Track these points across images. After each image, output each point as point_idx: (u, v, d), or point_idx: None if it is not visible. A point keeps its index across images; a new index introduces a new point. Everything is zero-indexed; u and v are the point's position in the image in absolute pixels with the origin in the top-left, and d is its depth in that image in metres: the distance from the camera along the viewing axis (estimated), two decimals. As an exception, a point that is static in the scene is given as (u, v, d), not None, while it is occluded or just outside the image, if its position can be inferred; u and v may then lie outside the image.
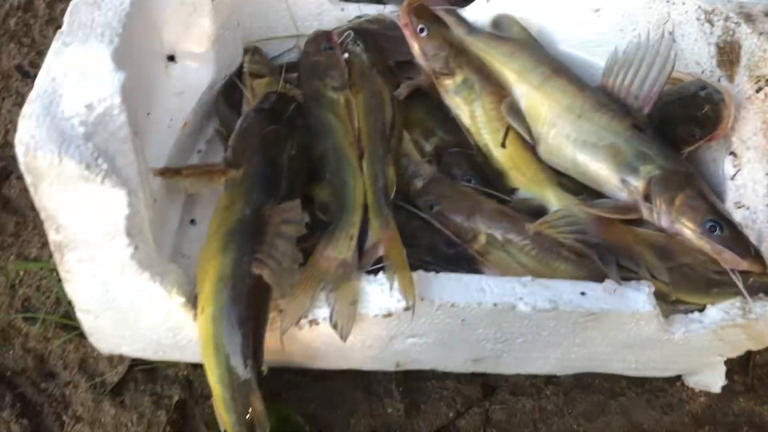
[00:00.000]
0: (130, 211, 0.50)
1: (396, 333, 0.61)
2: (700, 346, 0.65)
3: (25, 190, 0.79)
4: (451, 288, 0.60)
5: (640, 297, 0.61)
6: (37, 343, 0.70)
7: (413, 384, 0.70)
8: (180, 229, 0.68)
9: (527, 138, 0.73)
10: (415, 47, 0.75)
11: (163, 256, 0.60)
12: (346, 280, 0.59)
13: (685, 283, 0.64)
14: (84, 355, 0.70)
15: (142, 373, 0.69)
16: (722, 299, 0.63)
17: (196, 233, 0.68)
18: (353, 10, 0.81)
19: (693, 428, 0.70)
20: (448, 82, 0.75)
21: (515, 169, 0.73)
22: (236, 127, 0.66)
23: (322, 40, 0.76)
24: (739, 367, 0.74)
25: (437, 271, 0.61)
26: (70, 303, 0.69)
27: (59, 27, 0.51)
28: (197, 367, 0.69)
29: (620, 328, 0.62)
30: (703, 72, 0.70)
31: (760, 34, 0.64)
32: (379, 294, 0.59)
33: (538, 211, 0.68)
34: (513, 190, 0.73)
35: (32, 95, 0.48)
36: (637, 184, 0.66)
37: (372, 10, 0.81)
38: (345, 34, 0.78)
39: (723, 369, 0.69)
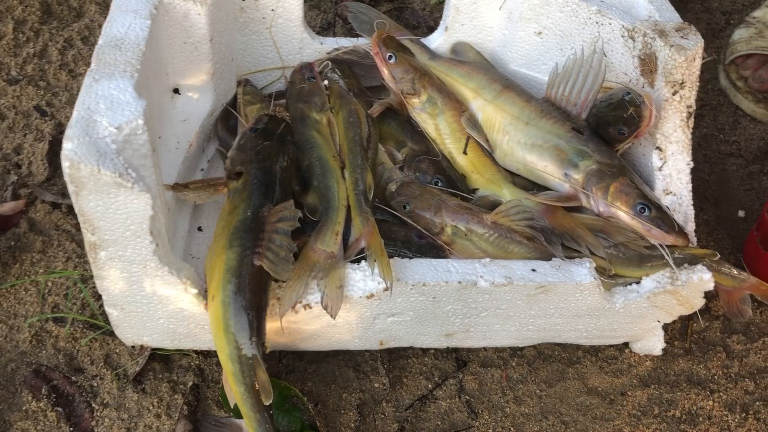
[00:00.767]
0: (154, 212, 0.61)
1: (378, 312, 0.72)
2: (639, 313, 0.76)
3: (48, 212, 0.90)
4: (423, 270, 0.71)
5: (582, 270, 0.72)
6: (67, 342, 0.80)
7: (396, 362, 0.80)
8: (189, 234, 0.78)
9: (485, 145, 0.85)
10: (385, 72, 0.87)
11: (177, 256, 0.70)
12: (333, 269, 0.70)
13: (622, 260, 0.75)
14: (108, 351, 0.79)
15: (159, 363, 0.79)
16: (654, 271, 0.75)
17: (203, 238, 0.79)
18: (331, 43, 0.93)
19: (641, 388, 0.80)
20: (415, 101, 0.87)
21: (476, 172, 0.85)
22: (234, 144, 0.78)
23: (306, 70, 0.88)
24: (679, 334, 0.84)
25: (411, 258, 0.72)
26: (94, 305, 0.80)
27: (71, 71, 0.61)
28: (207, 357, 0.79)
29: (568, 299, 0.73)
30: (630, 81, 0.82)
31: (671, 46, 0.76)
32: (362, 279, 0.70)
33: (495, 206, 0.79)
34: (474, 190, 0.84)
35: (72, 121, 0.59)
36: (578, 176, 0.77)
37: (347, 42, 0.93)
38: (324, 64, 0.90)
39: (661, 334, 0.80)
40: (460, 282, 0.70)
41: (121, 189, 0.58)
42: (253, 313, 0.66)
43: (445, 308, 0.73)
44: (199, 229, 0.80)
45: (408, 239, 0.78)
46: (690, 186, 0.79)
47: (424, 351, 0.81)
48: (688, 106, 0.78)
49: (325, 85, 0.88)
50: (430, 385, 0.79)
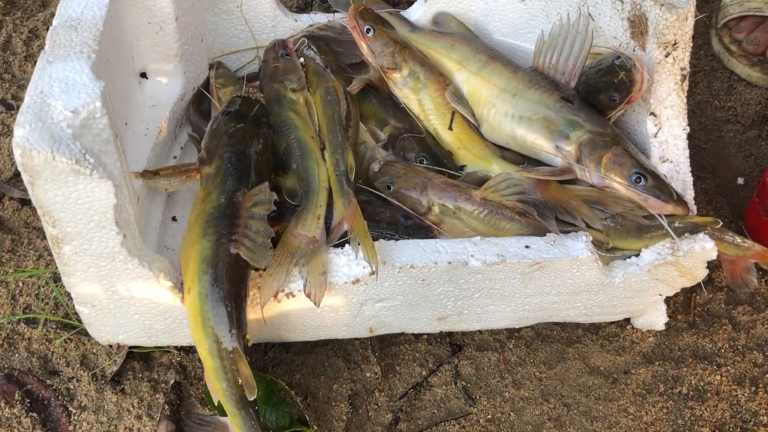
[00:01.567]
0: (118, 201, 0.57)
1: (365, 298, 0.68)
2: (639, 287, 0.72)
3: (17, 210, 0.86)
4: (410, 252, 0.67)
5: (578, 245, 0.68)
6: (40, 344, 0.76)
7: (388, 349, 0.77)
8: (163, 225, 0.74)
9: (471, 120, 0.81)
10: (364, 46, 0.83)
11: (149, 248, 0.66)
12: (315, 255, 0.66)
13: (620, 231, 0.71)
14: (84, 351, 0.75)
15: (139, 362, 0.75)
16: (654, 242, 0.71)
17: (178, 228, 0.75)
18: (306, 20, 0.88)
19: (644, 365, 0.76)
20: (396, 76, 0.82)
21: (463, 148, 0.81)
22: (207, 129, 0.74)
23: (279, 48, 0.84)
24: (682, 307, 0.81)
25: (397, 240, 0.68)
26: (68, 304, 0.76)
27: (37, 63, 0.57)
28: (189, 352, 0.76)
29: (564, 275, 0.69)
30: (620, 45, 0.78)
31: (662, 5, 0.72)
32: (347, 264, 0.66)
33: (485, 182, 0.75)
34: (462, 167, 0.80)
35: (23, 107, 0.55)
36: (570, 148, 0.73)
37: (322, 18, 0.89)
38: (300, 41, 0.86)
39: (664, 307, 0.77)
40: (450, 262, 0.66)
41: (80, 177, 0.54)
42: (232, 304, 0.62)
43: (436, 291, 0.69)
44: (174, 219, 0.76)
45: (394, 220, 0.74)
46: (687, 152, 0.75)
47: (417, 337, 0.78)
48: (682, 68, 0.74)
49: (301, 63, 0.83)
50: (424, 372, 0.75)
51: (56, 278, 0.79)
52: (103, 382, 0.73)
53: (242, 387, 0.61)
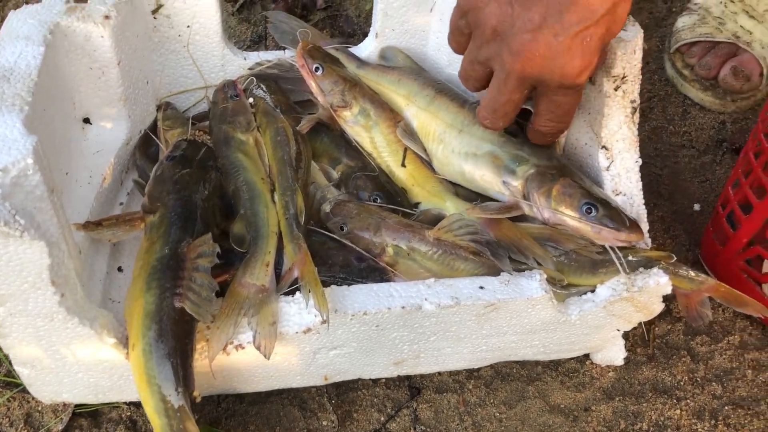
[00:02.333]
0: (52, 261, 0.55)
1: (318, 347, 0.66)
2: (596, 324, 0.72)
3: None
4: (363, 298, 0.65)
5: (532, 284, 0.67)
6: (-18, 404, 0.73)
7: (345, 395, 0.75)
8: (108, 276, 0.72)
9: (422, 155, 0.80)
10: (313, 85, 0.82)
11: (93, 302, 0.64)
12: (265, 304, 0.64)
13: (574, 268, 0.71)
14: (29, 409, 0.72)
15: (86, 419, 0.72)
16: (609, 277, 0.70)
17: (124, 279, 0.73)
18: (255, 58, 0.87)
19: (605, 401, 0.76)
20: (347, 114, 0.81)
21: (416, 185, 0.80)
22: (151, 175, 0.72)
23: (228, 88, 0.82)
24: (641, 340, 0.80)
25: (348, 286, 0.67)
26: (10, 362, 0.73)
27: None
28: (139, 406, 0.73)
29: (520, 315, 0.68)
30: (569, 79, 0.78)
31: (609, 40, 0.72)
32: (298, 312, 0.64)
33: (439, 220, 0.74)
34: (416, 204, 0.79)
35: (-52, 166, 0.52)
36: (516, 184, 0.73)
37: (271, 55, 0.87)
38: (248, 81, 0.84)
39: (622, 342, 0.76)
40: (403, 307, 0.65)
41: (10, 239, 0.52)
42: (178, 360, 0.60)
43: (391, 336, 0.67)
44: (120, 269, 0.74)
45: (347, 263, 0.72)
46: (640, 184, 0.75)
47: (375, 381, 0.76)
48: (632, 101, 0.74)
49: (251, 103, 0.82)
50: (382, 418, 0.74)
51: (-1, 333, 0.76)
52: (49, 441, 0.70)
53: (191, 447, 0.59)
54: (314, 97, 0.82)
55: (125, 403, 0.72)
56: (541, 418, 0.74)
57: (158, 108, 0.85)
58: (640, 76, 0.74)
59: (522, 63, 0.62)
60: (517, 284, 0.67)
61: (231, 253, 0.69)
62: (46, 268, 0.55)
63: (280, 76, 0.86)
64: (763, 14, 1.10)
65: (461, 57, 0.85)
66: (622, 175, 0.75)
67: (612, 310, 0.70)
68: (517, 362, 0.78)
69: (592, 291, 0.71)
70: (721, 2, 1.13)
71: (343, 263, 0.72)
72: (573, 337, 0.73)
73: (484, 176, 0.75)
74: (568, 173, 0.72)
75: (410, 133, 0.80)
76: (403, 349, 0.69)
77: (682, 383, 0.77)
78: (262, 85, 0.84)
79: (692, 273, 0.71)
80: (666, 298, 0.71)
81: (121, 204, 0.78)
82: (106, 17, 0.71)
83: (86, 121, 0.77)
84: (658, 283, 0.69)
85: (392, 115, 0.81)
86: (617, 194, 0.75)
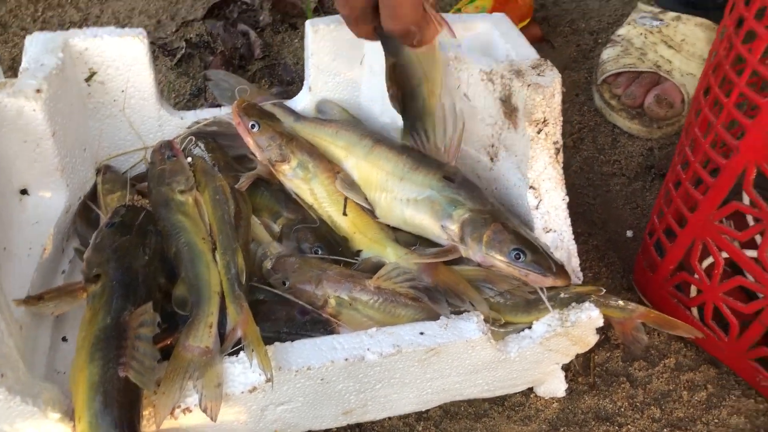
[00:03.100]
0: (-10, 343, 0.55)
1: (265, 404, 0.67)
2: (535, 359, 0.74)
3: None
4: (306, 353, 0.67)
5: (470, 326, 0.70)
6: (-70, 485, 0.72)
7: (298, 446, 0.76)
8: (52, 348, 0.72)
9: (364, 205, 0.82)
10: (250, 142, 0.83)
11: (36, 376, 0.64)
12: (209, 366, 0.65)
13: (510, 307, 0.73)
14: (-22, 487, 0.72)
15: (39, 491, 0.72)
16: (544, 314, 0.73)
17: (69, 349, 0.73)
18: (191, 117, 0.89)
19: (551, 432, 0.78)
20: (285, 167, 0.83)
21: (358, 233, 0.82)
22: (90, 243, 0.72)
23: (165, 149, 0.84)
24: (582, 369, 0.83)
25: (293, 340, 0.68)
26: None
27: None
28: (92, 475, 0.73)
29: (461, 357, 0.70)
30: (495, 123, 0.81)
31: (528, 86, 0.75)
32: (243, 372, 0.65)
33: (380, 268, 0.76)
34: (358, 252, 0.81)
35: None
36: (453, 227, 0.75)
37: (208, 114, 0.89)
38: (186, 140, 0.86)
39: (562, 374, 0.79)
40: (347, 359, 0.66)
41: (-56, 326, 0.52)
42: (125, 429, 0.60)
43: (337, 387, 0.69)
44: (64, 339, 0.74)
45: (291, 318, 0.74)
46: (569, 221, 0.78)
47: (326, 431, 0.77)
48: (555, 142, 0.78)
49: (189, 162, 0.83)
50: (336, 466, 0.75)
51: (-56, 411, 0.75)
52: None
53: None
54: (251, 154, 0.84)
55: (76, 473, 0.72)
56: (491, 454, 0.76)
57: (97, 171, 0.86)
58: (561, 118, 0.77)
59: None
60: (456, 327, 0.70)
61: (175, 316, 0.70)
62: (-16, 351, 0.55)
63: (219, 132, 0.88)
64: (680, 44, 1.16)
65: (392, 107, 0.89)
66: (551, 212, 0.79)
67: (549, 346, 0.73)
68: (464, 400, 0.80)
69: (529, 328, 0.73)
70: (641, 34, 1.19)
71: (287, 318, 0.73)
72: (515, 374, 0.75)
73: (424, 221, 0.78)
74: (499, 218, 0.75)
75: (350, 183, 0.82)
76: (350, 399, 0.71)
77: (622, 409, 0.80)
78: (200, 144, 0.85)
79: (621, 303, 0.74)
80: (603, 327, 0.74)
81: (64, 272, 0.79)
82: (38, 91, 0.72)
83: (24, 192, 0.78)
84: (590, 317, 0.71)
85: (330, 165, 0.84)
86: (548, 231, 0.78)
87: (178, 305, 0.69)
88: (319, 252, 0.79)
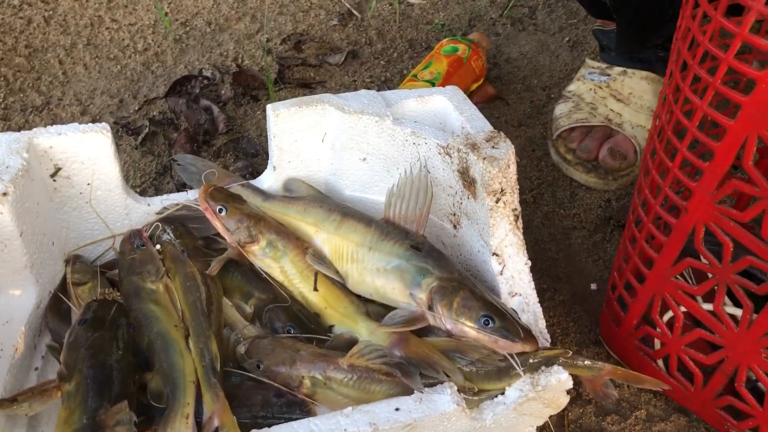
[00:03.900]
0: (-35, 458, 0.55)
1: (245, 490, 0.68)
2: (510, 425, 0.76)
3: None
4: (284, 438, 0.68)
5: (444, 398, 0.71)
6: None
7: None
8: (27, 449, 0.72)
9: (336, 278, 0.84)
10: (218, 226, 0.85)
11: (13, 483, 0.64)
12: (188, 457, 0.66)
13: (482, 376, 0.75)
14: None
15: None
16: (515, 380, 0.75)
17: (45, 450, 0.73)
18: (158, 203, 0.90)
19: (532, 493, 0.79)
20: (255, 248, 0.85)
21: (329, 307, 0.83)
22: (64, 342, 0.73)
23: (134, 238, 0.85)
24: (557, 428, 0.85)
25: (270, 425, 0.69)
26: None
27: None
28: None
29: (437, 429, 0.72)
30: (455, 192, 0.84)
31: (484, 159, 0.78)
32: (222, 460, 0.66)
33: (353, 344, 0.77)
34: (330, 327, 0.82)
35: None
36: (422, 296, 0.77)
37: (175, 199, 0.90)
38: (154, 227, 0.87)
39: (538, 436, 0.80)
40: (324, 441, 0.67)
41: None
42: None
43: (316, 469, 0.69)
44: (40, 438, 0.74)
45: (267, 401, 0.74)
46: (533, 284, 0.81)
47: None
48: (514, 209, 0.81)
49: (158, 250, 0.84)
50: None
51: None
52: None
53: None
54: (219, 237, 0.86)
55: None
56: None
57: (66, 262, 0.86)
58: (518, 186, 0.81)
59: None
60: (431, 401, 0.71)
61: (151, 409, 0.70)
62: (-40, 466, 0.55)
63: (187, 216, 0.89)
64: (628, 97, 1.21)
65: (355, 180, 0.91)
66: (515, 277, 0.81)
67: (522, 410, 0.75)
68: (444, 468, 0.81)
69: (502, 393, 0.75)
70: (591, 89, 1.24)
71: (263, 402, 0.74)
72: (491, 440, 0.77)
73: (394, 290, 0.80)
74: (467, 285, 0.77)
75: (321, 257, 0.84)
76: (330, 479, 0.71)
77: (599, 465, 0.81)
78: (168, 230, 0.86)
79: (589, 362, 0.76)
80: (575, 384, 0.76)
81: (36, 369, 0.79)
82: (4, 194, 0.73)
83: (-8, 292, 0.78)
84: (559, 379, 0.73)
85: (299, 243, 0.85)
86: (513, 295, 0.81)
87: (153, 398, 0.70)
88: (292, 331, 0.80)
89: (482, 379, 0.75)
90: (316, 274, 0.84)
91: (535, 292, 0.81)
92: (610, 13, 1.18)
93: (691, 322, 0.80)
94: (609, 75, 1.25)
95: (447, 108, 0.89)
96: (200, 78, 1.35)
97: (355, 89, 1.11)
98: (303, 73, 1.40)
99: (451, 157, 0.83)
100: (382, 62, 1.44)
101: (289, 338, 0.79)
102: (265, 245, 0.85)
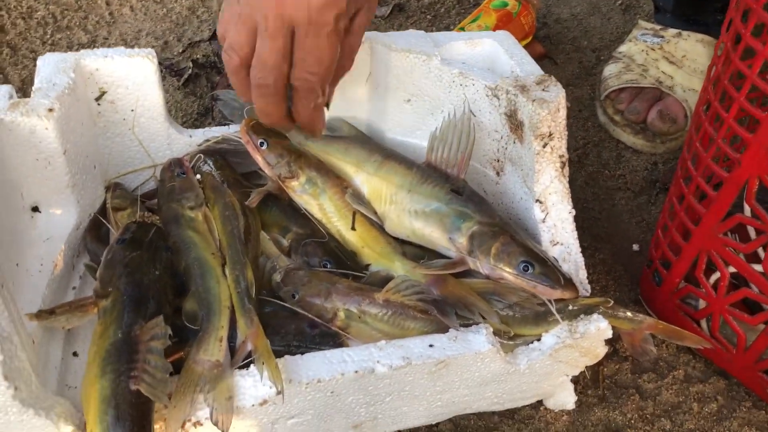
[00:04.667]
0: (4, 355, 0.56)
1: (276, 417, 0.68)
2: (544, 371, 0.74)
3: None
4: (316, 366, 0.67)
5: (479, 338, 0.70)
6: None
7: (308, 461, 0.76)
8: (63, 362, 0.72)
9: (374, 218, 0.83)
10: (259, 159, 0.84)
11: (48, 390, 0.64)
12: (220, 379, 0.65)
13: (519, 320, 0.74)
14: (-12, 504, 0.72)
15: (49, 508, 0.71)
16: (553, 326, 0.73)
17: (80, 364, 0.73)
18: (200, 135, 0.90)
19: (561, 445, 0.78)
20: (294, 184, 0.84)
21: (366, 247, 0.82)
22: (102, 260, 0.73)
23: (175, 166, 0.85)
24: (592, 382, 0.83)
25: (303, 353, 0.69)
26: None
27: None
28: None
29: (470, 369, 0.71)
30: (501, 137, 0.82)
31: (534, 101, 0.76)
32: (253, 385, 0.66)
33: (388, 281, 0.76)
34: (367, 266, 0.82)
35: None
36: (461, 240, 0.76)
37: (217, 132, 0.90)
38: (196, 158, 0.87)
39: (571, 387, 0.79)
40: (356, 371, 0.66)
41: (-40, 339, 0.53)
42: (137, 443, 0.61)
43: (347, 400, 0.69)
44: (75, 354, 0.74)
45: (300, 331, 0.74)
46: (575, 234, 0.79)
47: (336, 444, 0.77)
48: (561, 156, 0.79)
49: (198, 179, 0.84)
50: (346, 481, 0.74)
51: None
52: None
53: None
54: (261, 170, 0.85)
55: (87, 489, 0.72)
56: (501, 468, 0.76)
57: (107, 189, 0.87)
58: (566, 132, 0.78)
59: (276, 2, 0.65)
60: (465, 340, 0.70)
61: (185, 330, 0.70)
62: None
63: (228, 150, 0.89)
64: (682, 60, 1.18)
65: (398, 123, 0.90)
66: (557, 226, 0.79)
67: (558, 357, 0.73)
68: (474, 414, 0.80)
69: (538, 340, 0.74)
70: (643, 50, 1.21)
71: (296, 331, 0.74)
72: (524, 386, 0.75)
73: (432, 233, 0.78)
74: (508, 230, 0.75)
75: (360, 197, 0.83)
76: (360, 412, 0.71)
77: (632, 421, 0.80)
78: (209, 161, 0.86)
79: (630, 314, 0.74)
80: (612, 339, 0.75)
81: (74, 288, 0.79)
82: (50, 110, 0.73)
83: (35, 209, 0.79)
84: (598, 328, 0.72)
85: (339, 181, 0.84)
86: (555, 244, 0.79)
87: (188, 319, 0.70)
88: (328, 266, 0.80)
89: (519, 323, 0.74)
90: (354, 213, 0.84)
91: (578, 242, 0.79)
92: (669, -29, 1.14)
93: (737, 281, 0.78)
94: (663, 37, 1.21)
95: (497, 51, 0.87)
96: (245, 24, 1.34)
97: (402, 37, 1.09)
98: (348, 24, 1.39)
99: (499, 99, 0.81)
100: (428, 17, 1.41)
101: (325, 271, 0.78)
102: (304, 181, 0.84)
